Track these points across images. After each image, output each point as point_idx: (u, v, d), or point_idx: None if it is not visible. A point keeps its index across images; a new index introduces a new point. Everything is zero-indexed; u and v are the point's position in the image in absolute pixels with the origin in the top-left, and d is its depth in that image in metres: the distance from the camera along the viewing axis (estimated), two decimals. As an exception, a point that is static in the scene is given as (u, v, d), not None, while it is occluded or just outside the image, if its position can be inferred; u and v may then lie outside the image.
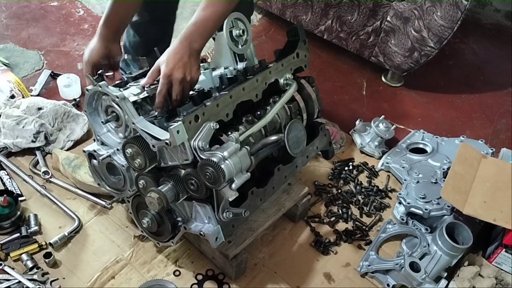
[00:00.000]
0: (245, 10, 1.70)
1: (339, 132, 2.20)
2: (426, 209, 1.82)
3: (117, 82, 1.58)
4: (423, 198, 1.86)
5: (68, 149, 2.03)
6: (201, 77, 1.74)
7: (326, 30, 2.65)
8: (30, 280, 1.56)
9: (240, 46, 1.74)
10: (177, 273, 1.66)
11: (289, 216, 1.85)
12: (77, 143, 2.06)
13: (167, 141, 1.30)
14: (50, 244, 1.67)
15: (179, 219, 1.51)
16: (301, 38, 1.73)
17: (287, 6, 2.74)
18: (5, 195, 1.70)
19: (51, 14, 2.83)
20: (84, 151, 1.65)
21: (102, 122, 1.54)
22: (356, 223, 1.90)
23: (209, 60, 1.80)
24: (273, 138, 1.47)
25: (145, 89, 1.48)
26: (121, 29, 1.73)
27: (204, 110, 1.36)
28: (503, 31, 3.29)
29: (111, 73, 1.71)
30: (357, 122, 2.28)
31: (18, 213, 1.71)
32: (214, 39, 1.65)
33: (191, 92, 1.56)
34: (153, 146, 1.36)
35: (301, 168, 1.74)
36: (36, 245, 1.66)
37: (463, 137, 2.22)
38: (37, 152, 1.98)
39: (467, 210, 1.67)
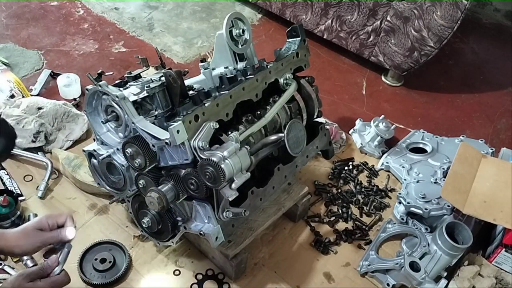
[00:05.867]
0: None
1: (339, 132, 2.20)
2: (426, 209, 1.82)
3: (117, 81, 1.58)
4: (423, 197, 1.86)
5: (66, 149, 2.02)
6: (201, 77, 1.74)
7: (326, 30, 2.65)
8: (30, 279, 1.55)
9: (240, 46, 1.75)
10: (177, 272, 1.66)
11: (289, 215, 1.85)
12: (76, 142, 2.05)
13: (167, 141, 1.30)
14: (50, 243, 1.67)
15: (179, 218, 1.51)
16: (301, 37, 1.73)
17: (287, 6, 2.74)
18: (5, 195, 1.69)
19: (51, 14, 2.83)
20: (84, 151, 1.65)
21: (102, 121, 1.54)
22: (356, 222, 1.90)
23: (209, 60, 1.80)
24: (273, 137, 1.47)
25: (145, 88, 1.48)
26: None
27: (204, 109, 1.36)
28: (503, 31, 3.29)
29: (110, 73, 1.71)
30: (357, 122, 2.28)
31: (18, 212, 1.71)
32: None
33: (190, 92, 1.56)
34: (153, 145, 1.36)
35: (301, 167, 1.74)
36: (36, 245, 1.66)
37: (463, 136, 2.22)
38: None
39: (467, 209, 1.67)
